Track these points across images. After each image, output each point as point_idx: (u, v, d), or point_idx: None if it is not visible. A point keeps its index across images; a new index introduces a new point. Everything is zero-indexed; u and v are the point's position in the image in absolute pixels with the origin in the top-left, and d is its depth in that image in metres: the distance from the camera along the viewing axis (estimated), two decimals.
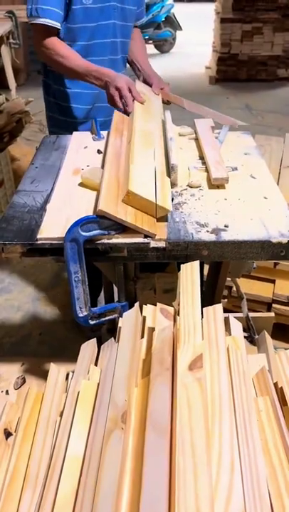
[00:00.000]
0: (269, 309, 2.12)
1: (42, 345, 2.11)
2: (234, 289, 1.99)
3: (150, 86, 1.65)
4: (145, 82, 1.68)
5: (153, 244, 1.04)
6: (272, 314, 2.04)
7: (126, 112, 1.46)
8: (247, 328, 1.80)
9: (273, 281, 2.15)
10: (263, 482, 0.75)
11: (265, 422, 0.91)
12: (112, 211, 1.01)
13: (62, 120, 1.71)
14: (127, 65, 1.79)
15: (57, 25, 1.48)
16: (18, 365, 1.31)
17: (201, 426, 0.71)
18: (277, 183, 2.23)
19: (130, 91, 1.44)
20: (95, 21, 1.55)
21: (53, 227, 1.06)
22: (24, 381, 1.19)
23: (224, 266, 1.37)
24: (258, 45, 5.72)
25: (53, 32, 1.49)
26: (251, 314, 1.85)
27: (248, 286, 2.10)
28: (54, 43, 1.50)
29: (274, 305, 2.11)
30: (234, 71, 5.90)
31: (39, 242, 1.04)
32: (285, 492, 0.76)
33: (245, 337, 1.75)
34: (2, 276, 2.58)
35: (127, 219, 1.02)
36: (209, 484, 0.64)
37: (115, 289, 1.40)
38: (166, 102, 1.65)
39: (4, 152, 3.05)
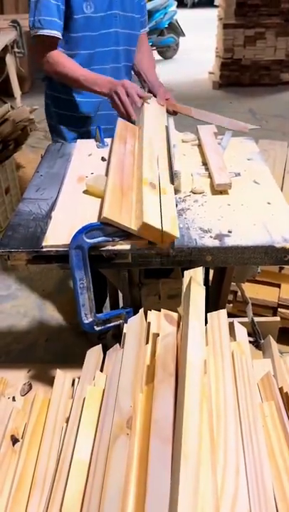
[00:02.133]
0: (275, 314, 2.12)
1: (48, 352, 2.12)
2: (239, 293, 2.00)
3: (155, 96, 1.65)
4: (150, 92, 1.68)
5: (157, 250, 1.05)
6: (277, 319, 2.03)
7: (129, 118, 1.48)
8: (252, 333, 1.80)
9: (279, 286, 2.15)
10: (269, 487, 0.75)
11: (271, 428, 0.91)
12: (117, 218, 1.02)
13: (69, 115, 1.72)
14: (133, 74, 1.81)
15: (59, 35, 1.50)
16: (25, 371, 1.31)
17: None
18: (281, 188, 2.25)
19: (128, 95, 1.43)
20: (97, 30, 1.56)
21: (58, 235, 1.08)
22: (30, 387, 1.20)
23: (229, 271, 1.37)
24: (261, 50, 5.75)
25: (55, 43, 1.51)
26: (256, 319, 1.85)
27: (253, 291, 2.10)
28: (56, 54, 1.52)
29: (280, 309, 2.11)
30: (237, 76, 5.93)
31: (44, 249, 1.06)
32: None
33: (250, 342, 1.74)
34: (9, 283, 2.60)
35: (132, 226, 1.03)
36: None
37: (120, 295, 1.41)
38: (172, 113, 1.64)
39: (10, 160, 3.09)
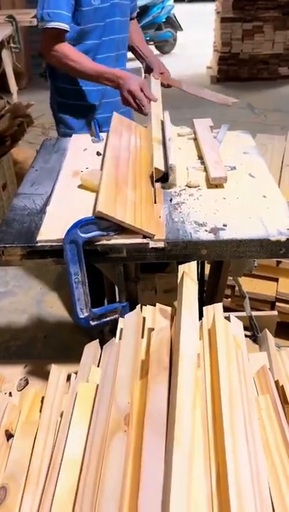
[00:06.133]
0: (273, 308, 2.12)
1: (47, 348, 2.12)
2: (237, 288, 1.99)
3: (152, 71, 1.73)
4: (148, 67, 1.77)
5: (152, 244, 1.05)
6: (275, 313, 2.03)
7: (142, 112, 1.52)
8: (250, 327, 1.80)
9: (276, 280, 2.14)
10: (264, 480, 0.75)
11: (266, 421, 0.91)
12: (111, 212, 1.02)
13: (75, 104, 1.75)
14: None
15: (68, 28, 1.52)
16: (22, 367, 1.31)
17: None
18: (279, 181, 2.24)
19: (142, 91, 1.48)
20: (103, 20, 1.60)
21: (52, 230, 1.07)
22: (27, 383, 1.20)
23: (225, 265, 1.37)
24: (259, 44, 5.71)
25: (63, 35, 1.53)
26: (254, 313, 1.85)
27: (251, 286, 2.10)
28: (64, 47, 1.54)
29: (278, 303, 2.10)
30: (235, 70, 5.89)
31: (39, 244, 1.05)
32: (287, 491, 0.76)
33: (248, 336, 1.75)
34: (6, 279, 2.60)
35: (126, 220, 1.03)
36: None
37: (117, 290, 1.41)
38: (165, 86, 1.72)
39: (7, 156, 3.07)
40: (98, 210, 1.01)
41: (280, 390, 0.99)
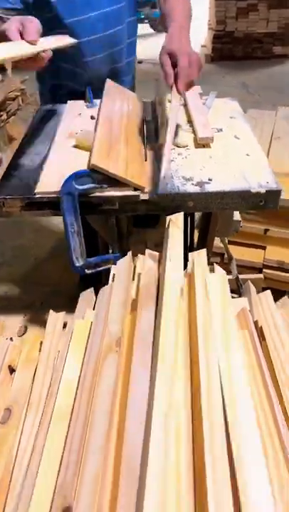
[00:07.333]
0: None
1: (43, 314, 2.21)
2: (226, 255, 2.08)
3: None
4: None
5: (142, 196, 1.13)
6: (261, 276, 2.13)
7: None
8: (237, 289, 1.89)
9: (264, 248, 2.23)
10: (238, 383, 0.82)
11: (246, 356, 0.99)
12: (104, 165, 1.10)
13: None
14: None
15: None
16: (21, 316, 1.40)
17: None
18: (268, 153, 2.31)
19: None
20: None
21: (49, 183, 1.15)
22: (26, 329, 1.29)
23: (212, 224, 1.45)
24: (254, 23, 5.71)
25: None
26: (241, 276, 1.94)
27: (239, 253, 2.18)
28: None
29: (265, 270, 2.19)
30: (230, 49, 5.90)
31: (37, 196, 1.13)
32: (261, 412, 0.84)
33: (234, 298, 1.83)
34: (2, 250, 2.68)
35: (118, 173, 1.11)
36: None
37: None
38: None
39: (2, 132, 3.12)
40: (92, 163, 1.09)
41: (259, 330, 1.08)
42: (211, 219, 1.44)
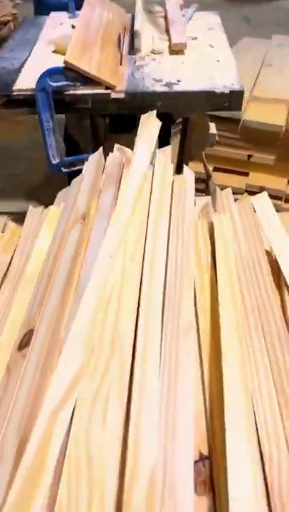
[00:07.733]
0: None
1: None
2: (209, 183, 2.15)
3: None
4: None
5: (113, 95, 1.20)
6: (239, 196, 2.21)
7: None
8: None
9: (247, 174, 2.30)
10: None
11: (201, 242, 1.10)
12: (77, 62, 1.16)
13: None
14: None
15: None
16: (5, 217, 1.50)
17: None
18: (255, 80, 2.32)
19: None
20: None
21: (27, 81, 1.22)
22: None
23: (189, 133, 1.52)
24: None
25: None
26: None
27: (222, 179, 2.24)
28: None
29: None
30: None
31: (15, 93, 1.20)
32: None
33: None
34: None
35: (90, 71, 1.17)
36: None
37: None
38: None
39: None
40: (65, 60, 1.15)
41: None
42: (187, 128, 1.51)
